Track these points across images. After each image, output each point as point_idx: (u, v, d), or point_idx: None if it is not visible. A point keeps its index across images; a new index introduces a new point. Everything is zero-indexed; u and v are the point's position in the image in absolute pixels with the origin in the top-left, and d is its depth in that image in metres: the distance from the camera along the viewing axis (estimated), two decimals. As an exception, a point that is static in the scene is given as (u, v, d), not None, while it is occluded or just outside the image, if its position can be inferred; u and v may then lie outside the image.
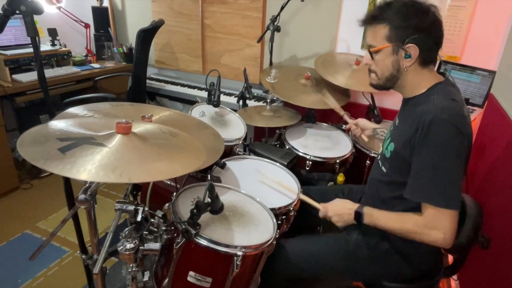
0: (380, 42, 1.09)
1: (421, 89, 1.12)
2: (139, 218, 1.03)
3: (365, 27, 1.13)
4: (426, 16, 1.04)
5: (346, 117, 1.79)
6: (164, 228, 1.11)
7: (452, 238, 1.01)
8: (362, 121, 1.72)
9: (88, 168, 0.77)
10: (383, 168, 1.20)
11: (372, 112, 2.06)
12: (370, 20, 1.11)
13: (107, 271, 1.10)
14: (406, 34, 1.04)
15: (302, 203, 1.39)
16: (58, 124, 0.93)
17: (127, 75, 2.93)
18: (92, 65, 2.99)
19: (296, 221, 1.41)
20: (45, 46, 2.75)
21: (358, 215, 1.16)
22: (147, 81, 2.89)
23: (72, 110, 1.13)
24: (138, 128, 0.98)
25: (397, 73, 1.11)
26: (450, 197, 0.99)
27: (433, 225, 1.01)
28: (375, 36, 1.10)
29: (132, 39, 3.20)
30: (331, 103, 1.88)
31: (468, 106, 1.92)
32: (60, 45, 2.83)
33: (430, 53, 1.08)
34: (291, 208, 1.33)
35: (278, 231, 1.15)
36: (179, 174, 0.86)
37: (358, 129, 1.74)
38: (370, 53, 1.13)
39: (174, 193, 1.19)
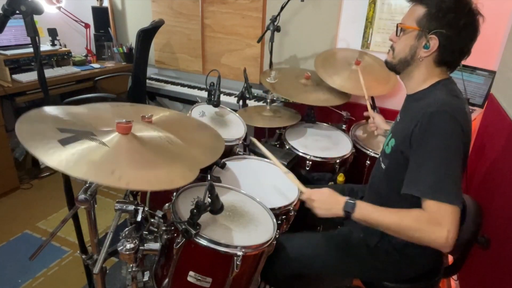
0: (411, 22, 1.07)
1: (425, 85, 1.11)
2: (139, 218, 1.03)
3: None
4: (464, 17, 1.00)
5: (369, 104, 1.75)
6: (164, 228, 1.11)
7: (454, 239, 0.92)
8: (378, 119, 1.70)
9: (87, 166, 0.76)
10: (382, 165, 1.19)
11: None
12: None
13: (107, 271, 1.10)
14: (435, 25, 1.02)
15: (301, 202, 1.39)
16: (55, 110, 0.92)
17: (127, 75, 2.93)
18: (92, 65, 2.99)
19: (296, 221, 1.41)
20: (45, 46, 2.75)
21: (349, 205, 1.06)
22: (147, 81, 2.90)
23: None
24: (137, 130, 0.98)
25: (411, 59, 1.10)
26: (452, 192, 0.94)
27: (436, 221, 0.92)
28: (410, 14, 1.08)
29: (132, 39, 3.20)
30: (363, 85, 1.84)
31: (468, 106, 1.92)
32: (60, 45, 2.83)
33: (449, 54, 1.05)
34: (291, 208, 1.33)
35: (278, 231, 1.15)
36: (174, 186, 0.87)
37: (373, 124, 1.71)
38: (397, 28, 1.11)
39: (174, 193, 1.19)
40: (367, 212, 1.05)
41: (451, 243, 0.92)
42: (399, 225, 0.98)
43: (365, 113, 1.77)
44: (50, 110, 0.93)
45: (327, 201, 1.12)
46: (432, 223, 0.93)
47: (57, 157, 0.75)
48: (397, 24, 1.11)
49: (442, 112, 0.97)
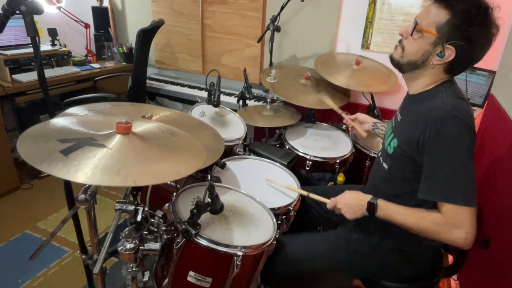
0: (430, 25, 1.01)
1: (429, 87, 1.10)
2: (139, 218, 1.03)
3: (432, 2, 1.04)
4: (486, 33, 0.99)
5: (344, 115, 1.75)
6: (164, 228, 1.11)
7: (473, 238, 0.97)
8: (362, 116, 1.67)
9: (92, 171, 0.76)
10: (384, 165, 1.18)
11: (372, 112, 2.07)
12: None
13: (107, 271, 1.10)
14: (455, 35, 0.98)
15: (305, 199, 1.39)
16: (56, 123, 0.93)
17: (127, 75, 2.93)
18: (92, 65, 2.99)
19: (296, 221, 1.41)
20: (45, 46, 2.75)
21: (371, 206, 1.10)
22: (147, 81, 2.89)
23: (72, 110, 1.13)
24: (138, 127, 0.98)
25: (421, 64, 1.06)
26: (468, 194, 0.96)
27: (455, 223, 0.97)
28: (430, 16, 1.01)
29: (132, 39, 3.19)
30: (330, 104, 1.86)
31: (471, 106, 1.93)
32: (60, 45, 2.83)
33: (460, 65, 1.04)
34: (291, 208, 1.33)
35: (278, 231, 1.15)
36: (182, 175, 0.86)
37: (356, 122, 1.68)
38: (414, 28, 1.04)
39: (174, 193, 1.19)
40: (389, 212, 1.09)
41: (470, 242, 0.98)
42: (419, 226, 1.04)
43: (344, 121, 1.75)
44: (50, 122, 0.93)
45: (351, 205, 1.16)
46: (450, 226, 0.98)
47: (60, 168, 0.76)
48: (415, 25, 1.04)
49: (452, 117, 0.97)
